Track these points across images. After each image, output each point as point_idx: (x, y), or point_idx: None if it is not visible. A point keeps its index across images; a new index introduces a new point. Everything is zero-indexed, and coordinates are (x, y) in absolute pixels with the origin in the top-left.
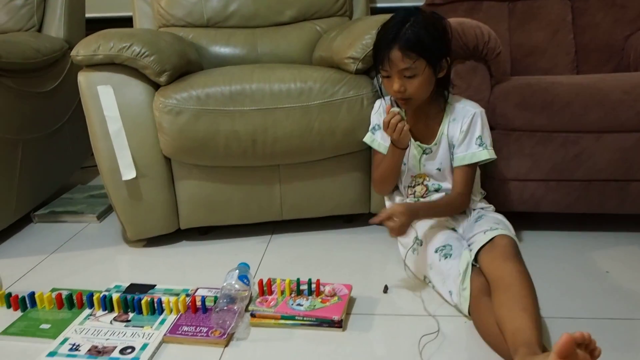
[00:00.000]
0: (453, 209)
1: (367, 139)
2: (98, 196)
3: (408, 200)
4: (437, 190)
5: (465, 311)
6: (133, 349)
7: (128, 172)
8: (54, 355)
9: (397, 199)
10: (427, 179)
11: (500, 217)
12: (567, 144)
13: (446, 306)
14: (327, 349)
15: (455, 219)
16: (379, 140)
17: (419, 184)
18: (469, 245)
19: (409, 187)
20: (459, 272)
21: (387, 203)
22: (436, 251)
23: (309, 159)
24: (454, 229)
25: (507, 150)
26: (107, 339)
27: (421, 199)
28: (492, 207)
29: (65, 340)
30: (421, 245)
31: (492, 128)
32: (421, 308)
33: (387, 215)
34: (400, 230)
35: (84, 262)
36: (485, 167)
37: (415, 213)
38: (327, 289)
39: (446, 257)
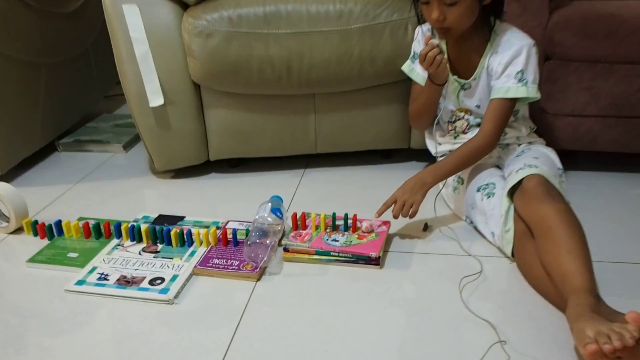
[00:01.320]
0: (477, 156)
1: (406, 67)
2: (124, 125)
3: (448, 137)
4: (479, 126)
5: (509, 253)
6: (162, 280)
7: (155, 98)
8: (82, 284)
9: (438, 134)
10: (468, 113)
11: (545, 150)
12: (630, 77)
13: (489, 247)
14: (362, 286)
15: (499, 155)
16: (417, 70)
17: (459, 119)
18: None
19: (449, 122)
20: (501, 213)
21: (428, 141)
22: (478, 190)
23: (346, 88)
24: (498, 166)
25: (563, 82)
26: (135, 270)
27: (462, 135)
28: (541, 140)
29: (93, 269)
30: (462, 183)
31: (548, 58)
32: (462, 248)
33: (392, 201)
34: (415, 209)
35: (110, 192)
36: (537, 101)
37: (423, 183)
38: (364, 224)
39: (489, 197)
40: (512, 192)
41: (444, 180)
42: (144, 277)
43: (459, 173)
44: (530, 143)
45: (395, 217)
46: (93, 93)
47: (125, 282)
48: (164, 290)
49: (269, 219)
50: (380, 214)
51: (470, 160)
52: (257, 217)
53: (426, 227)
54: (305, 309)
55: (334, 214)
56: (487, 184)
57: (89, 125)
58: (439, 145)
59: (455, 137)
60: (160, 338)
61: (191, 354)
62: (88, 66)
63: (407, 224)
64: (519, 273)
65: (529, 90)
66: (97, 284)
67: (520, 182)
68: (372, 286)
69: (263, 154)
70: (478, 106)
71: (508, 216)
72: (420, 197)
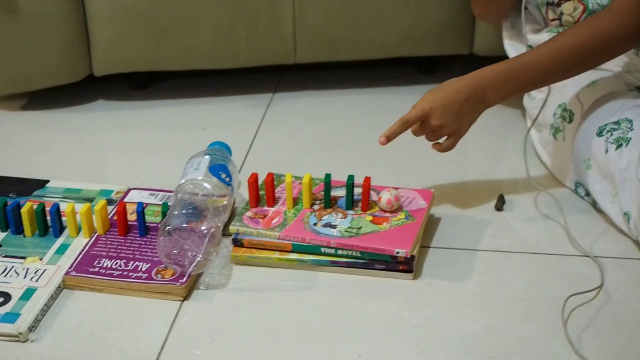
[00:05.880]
0: (599, 49)
1: None
2: None
3: (546, 33)
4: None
5: None
6: (7, 297)
7: None
8: None
9: (528, 29)
10: None
11: None
12: None
13: (619, 239)
14: (380, 312)
15: None
16: None
17: None
18: None
19: (548, 5)
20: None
21: (508, 43)
22: (600, 133)
23: None
24: (639, 89)
25: None
26: None
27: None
28: None
29: None
30: (570, 121)
31: None
32: (566, 241)
33: (418, 117)
34: (452, 144)
35: None
36: None
37: (479, 100)
38: (385, 197)
39: (619, 146)
40: None
41: (532, 115)
42: None
43: (564, 98)
44: None
45: (387, 139)
46: None
47: None
48: (10, 317)
49: (206, 185)
50: (388, 138)
51: (584, 60)
52: (183, 181)
53: (502, 203)
54: (272, 354)
55: (327, 176)
56: (616, 123)
57: None
58: (529, 49)
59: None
60: None
61: None
62: None
63: (462, 192)
64: None
65: None
66: None
67: None
68: (399, 313)
69: (195, 64)
70: None
71: None
72: (469, 125)
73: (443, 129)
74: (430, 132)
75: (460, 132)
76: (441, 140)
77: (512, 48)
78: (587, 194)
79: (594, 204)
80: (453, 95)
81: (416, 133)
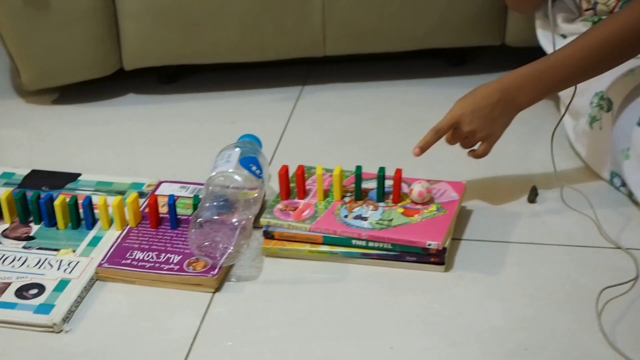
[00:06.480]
0: (629, 43)
1: None
2: None
3: (581, 23)
4: None
5: None
6: (41, 288)
7: None
8: None
9: (560, 19)
10: None
11: None
12: None
13: None
14: (411, 304)
15: None
16: None
17: None
18: None
19: None
20: None
21: (541, 33)
22: None
23: None
24: None
25: None
26: None
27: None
28: None
29: None
30: (609, 110)
31: None
32: (602, 233)
33: (449, 125)
34: (487, 149)
35: None
36: None
37: (509, 103)
38: (417, 189)
39: None
40: None
41: (566, 104)
42: (8, 284)
43: (601, 87)
44: None
45: (422, 149)
46: None
47: None
48: (45, 308)
49: (237, 177)
50: (422, 149)
51: (614, 54)
52: (214, 174)
53: (535, 195)
54: (302, 345)
55: (358, 168)
56: None
57: None
58: (562, 39)
59: (595, 24)
60: None
61: None
62: None
63: (493, 184)
64: None
65: None
66: None
67: None
68: (430, 305)
69: (223, 57)
70: None
71: None
72: (501, 129)
73: (475, 135)
74: (463, 139)
75: (494, 137)
76: (475, 147)
77: (545, 38)
78: (623, 184)
79: (630, 195)
80: (482, 100)
81: (450, 141)
